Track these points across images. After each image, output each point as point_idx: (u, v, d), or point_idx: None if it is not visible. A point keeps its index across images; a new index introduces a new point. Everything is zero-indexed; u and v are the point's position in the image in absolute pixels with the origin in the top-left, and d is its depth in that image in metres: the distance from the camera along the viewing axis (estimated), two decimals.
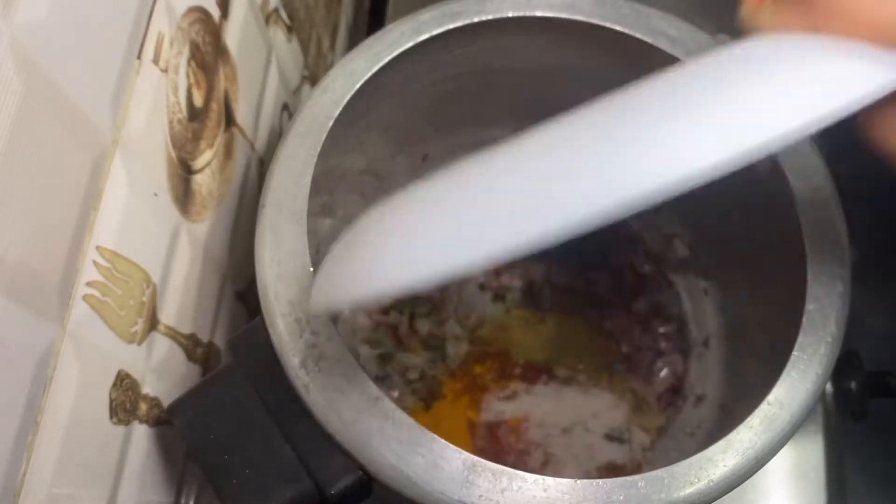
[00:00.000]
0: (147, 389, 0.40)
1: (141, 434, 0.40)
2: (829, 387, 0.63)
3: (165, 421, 0.42)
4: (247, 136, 0.51)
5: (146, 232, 0.38)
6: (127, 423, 0.38)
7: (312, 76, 0.66)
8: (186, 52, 0.40)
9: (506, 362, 0.60)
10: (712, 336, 0.60)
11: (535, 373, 0.59)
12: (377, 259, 0.26)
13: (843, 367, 0.62)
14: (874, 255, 0.54)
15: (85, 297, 0.33)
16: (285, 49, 0.58)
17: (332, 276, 0.29)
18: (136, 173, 0.36)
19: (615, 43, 0.48)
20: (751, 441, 0.40)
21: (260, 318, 0.42)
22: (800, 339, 0.42)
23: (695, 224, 0.62)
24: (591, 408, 0.58)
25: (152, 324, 0.40)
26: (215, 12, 0.44)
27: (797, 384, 0.41)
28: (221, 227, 0.48)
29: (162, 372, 0.41)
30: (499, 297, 0.62)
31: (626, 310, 0.61)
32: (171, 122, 0.39)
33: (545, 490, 0.38)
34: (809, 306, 0.42)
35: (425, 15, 0.49)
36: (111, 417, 0.37)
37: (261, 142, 0.54)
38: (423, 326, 0.60)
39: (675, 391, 0.59)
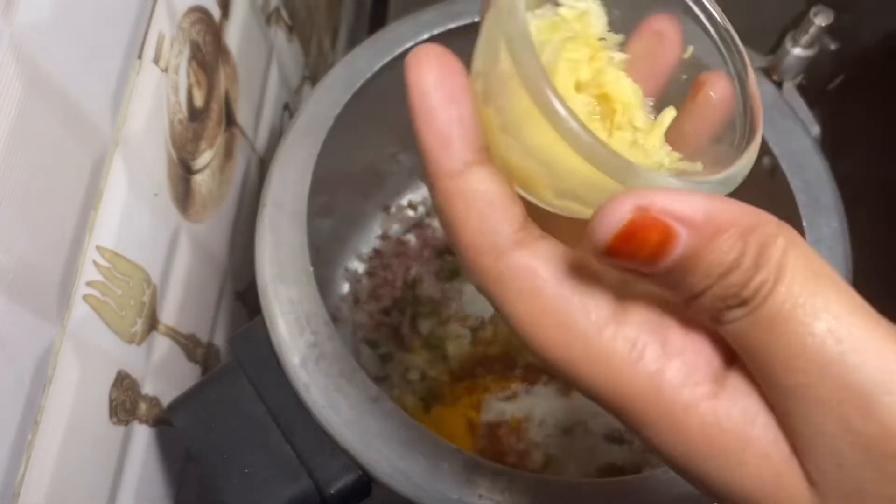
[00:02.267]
0: (147, 389, 0.40)
1: (141, 434, 0.40)
2: None
3: (165, 421, 0.42)
4: (247, 135, 0.51)
5: (146, 232, 0.38)
6: (127, 422, 0.38)
7: (313, 76, 0.66)
8: (187, 51, 0.40)
9: (507, 363, 0.60)
10: None
11: (536, 373, 0.59)
12: None
13: None
14: (875, 255, 0.54)
15: (85, 297, 0.33)
16: (286, 49, 0.58)
17: None
18: (136, 173, 0.36)
19: None
20: None
21: (260, 317, 0.42)
22: None
23: None
24: (592, 408, 0.58)
25: (152, 324, 0.40)
26: (216, 12, 0.44)
27: None
28: (221, 227, 0.48)
29: (162, 372, 0.41)
30: None
31: None
32: (171, 122, 0.39)
33: (546, 490, 0.38)
34: None
35: (426, 15, 0.49)
36: (111, 417, 0.37)
37: (261, 141, 0.54)
38: (425, 326, 0.60)
39: None
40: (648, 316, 0.21)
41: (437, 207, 0.21)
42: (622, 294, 0.21)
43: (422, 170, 0.21)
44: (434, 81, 0.20)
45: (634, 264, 0.19)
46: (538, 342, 0.21)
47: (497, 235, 0.20)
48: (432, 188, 0.21)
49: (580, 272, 0.21)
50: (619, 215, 0.18)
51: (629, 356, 0.20)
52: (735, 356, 0.20)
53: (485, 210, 0.20)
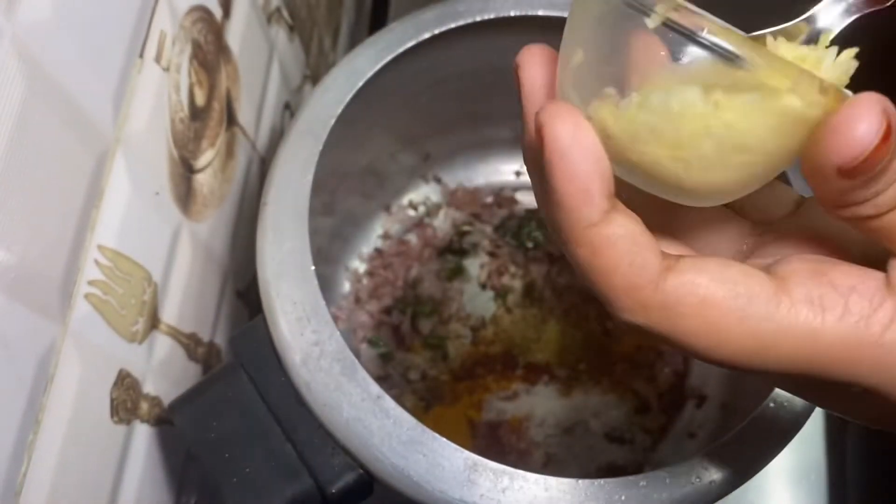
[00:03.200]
0: (148, 388, 0.40)
1: (142, 433, 0.40)
2: None
3: (166, 420, 0.42)
4: (248, 135, 0.51)
5: (148, 231, 0.38)
6: (128, 422, 0.38)
7: (314, 75, 0.66)
8: (188, 50, 0.40)
9: (507, 362, 0.60)
10: None
11: (537, 373, 0.59)
12: None
13: None
14: None
15: (86, 296, 0.33)
16: (287, 48, 0.58)
17: None
18: (137, 172, 0.36)
19: None
20: (752, 442, 0.40)
21: (261, 316, 0.42)
22: None
23: None
24: (593, 408, 0.58)
25: (153, 323, 0.40)
26: (217, 11, 0.43)
27: None
28: (223, 226, 0.48)
29: (163, 371, 0.41)
30: (500, 297, 0.62)
31: None
32: (172, 121, 0.39)
33: (546, 489, 0.38)
34: None
35: (427, 14, 0.49)
36: (112, 416, 0.37)
37: (262, 141, 0.54)
38: (426, 326, 0.60)
39: (677, 391, 0.59)
40: (804, 269, 0.22)
41: (578, 260, 0.22)
42: (770, 264, 0.22)
43: (555, 226, 0.22)
44: (571, 137, 0.21)
45: (873, 172, 0.20)
46: (725, 348, 0.21)
47: (649, 269, 0.21)
48: (573, 241, 0.21)
49: (730, 267, 0.22)
50: (876, 121, 0.19)
51: (814, 314, 0.21)
52: (884, 259, 0.21)
53: (632, 250, 0.21)
